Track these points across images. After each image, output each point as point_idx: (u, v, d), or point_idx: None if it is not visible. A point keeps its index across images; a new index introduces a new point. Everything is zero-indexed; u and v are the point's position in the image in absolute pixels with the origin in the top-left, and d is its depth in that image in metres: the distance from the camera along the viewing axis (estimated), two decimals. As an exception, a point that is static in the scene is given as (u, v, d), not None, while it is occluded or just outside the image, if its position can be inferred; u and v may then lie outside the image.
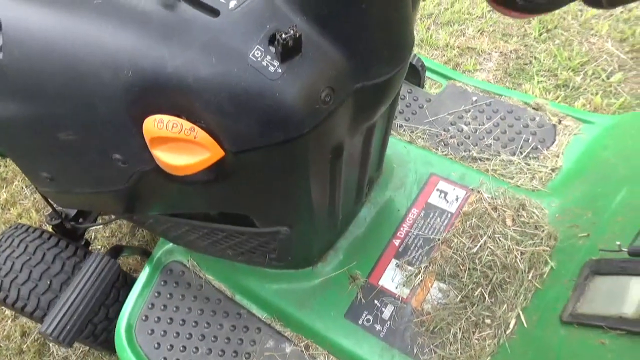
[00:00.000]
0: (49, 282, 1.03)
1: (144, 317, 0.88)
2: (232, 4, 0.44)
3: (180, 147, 0.46)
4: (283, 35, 0.40)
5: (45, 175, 0.60)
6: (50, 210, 1.16)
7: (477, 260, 0.80)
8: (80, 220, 1.17)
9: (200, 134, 0.45)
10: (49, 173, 0.60)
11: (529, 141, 0.98)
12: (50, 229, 1.15)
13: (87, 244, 1.25)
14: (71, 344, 0.71)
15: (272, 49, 0.42)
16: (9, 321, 1.42)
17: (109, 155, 0.51)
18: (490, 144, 0.99)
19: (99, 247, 1.50)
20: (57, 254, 1.06)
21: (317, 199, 0.62)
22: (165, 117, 0.45)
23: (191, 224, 0.71)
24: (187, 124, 0.45)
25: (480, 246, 0.81)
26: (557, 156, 0.94)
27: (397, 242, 0.87)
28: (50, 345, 1.36)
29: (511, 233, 0.81)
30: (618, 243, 0.58)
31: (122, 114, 0.46)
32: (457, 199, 0.90)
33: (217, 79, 0.42)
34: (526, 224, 0.82)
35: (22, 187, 1.69)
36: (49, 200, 1.02)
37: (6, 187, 1.69)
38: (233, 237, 0.74)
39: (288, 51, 0.41)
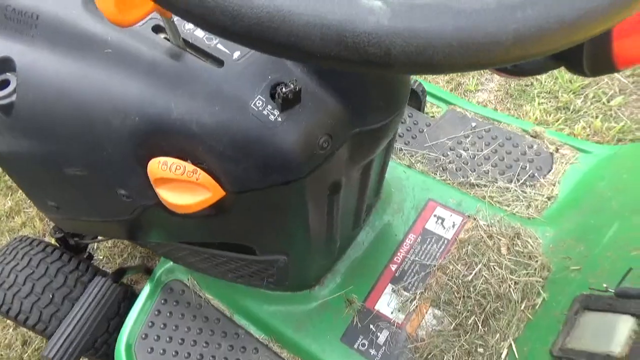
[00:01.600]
0: (51, 296, 1.05)
1: (143, 336, 0.90)
2: (236, 55, 0.46)
3: (182, 186, 0.48)
4: (284, 89, 0.42)
5: (51, 204, 0.62)
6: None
7: (471, 288, 0.81)
8: (83, 234, 1.19)
9: (203, 176, 0.47)
10: (56, 202, 0.62)
11: (526, 169, 0.99)
12: (53, 241, 1.17)
13: (90, 257, 1.27)
14: (73, 367, 0.73)
15: (274, 99, 0.44)
16: (10, 330, 1.44)
17: (114, 190, 0.53)
18: (488, 171, 1.01)
19: (101, 257, 1.53)
20: (59, 268, 1.08)
21: (315, 230, 0.64)
22: (169, 160, 0.47)
23: (191, 249, 0.72)
24: (190, 167, 0.47)
25: (475, 274, 0.83)
26: (554, 185, 0.95)
27: (393, 267, 0.89)
28: (51, 355, 1.38)
29: (505, 262, 0.83)
30: (605, 285, 0.60)
31: (128, 156, 0.48)
32: (453, 226, 0.91)
33: (220, 127, 0.44)
34: (520, 254, 0.84)
35: (27, 196, 1.71)
36: None
37: (11, 195, 1.71)
38: (232, 262, 0.75)
39: (288, 102, 0.43)
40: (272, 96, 0.45)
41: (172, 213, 0.53)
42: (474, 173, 1.00)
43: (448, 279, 0.84)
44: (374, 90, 0.49)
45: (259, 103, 0.45)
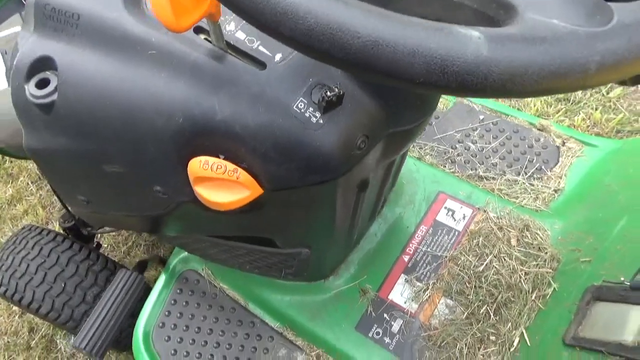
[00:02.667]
0: (63, 284, 1.06)
1: (160, 324, 0.91)
2: (277, 57, 0.47)
3: (221, 184, 0.49)
4: (328, 93, 0.43)
5: (81, 198, 0.63)
6: (63, 212, 1.18)
7: (483, 279, 0.84)
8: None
9: (243, 175, 0.48)
10: (86, 197, 0.62)
11: (534, 161, 1.02)
12: (59, 230, 1.18)
13: (99, 245, 1.28)
14: (102, 357, 0.74)
15: (315, 101, 0.45)
16: (17, 317, 1.45)
17: (150, 186, 0.54)
18: (496, 163, 1.03)
19: (106, 245, 1.53)
20: (71, 257, 1.08)
21: (340, 224, 0.66)
22: (211, 159, 0.48)
23: (213, 241, 0.74)
24: (230, 166, 0.48)
25: (486, 265, 0.85)
26: (560, 177, 0.98)
27: (406, 258, 0.91)
28: (58, 341, 1.39)
29: (516, 253, 0.86)
30: (622, 278, 0.62)
31: (170, 154, 0.49)
32: (464, 218, 0.94)
33: (263, 128, 0.45)
34: (530, 245, 0.86)
35: (28, 183, 1.70)
36: (65, 204, 1.05)
37: (12, 182, 1.70)
38: (253, 254, 0.77)
39: (331, 104, 0.45)
40: (314, 98, 0.46)
41: (206, 209, 0.54)
42: (483, 166, 1.03)
43: (460, 270, 0.87)
44: (410, 93, 0.50)
45: (301, 105, 0.46)
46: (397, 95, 0.49)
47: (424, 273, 0.89)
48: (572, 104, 1.54)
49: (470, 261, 0.87)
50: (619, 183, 0.86)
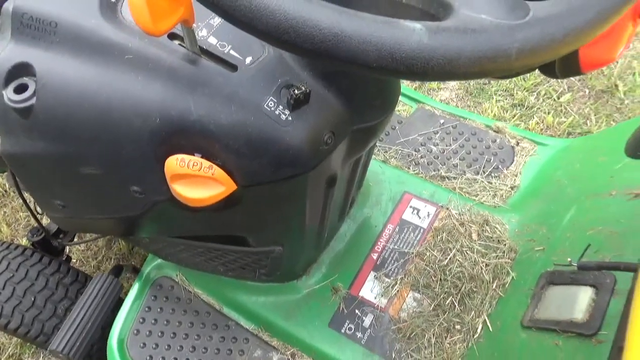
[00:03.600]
0: (32, 299, 1.04)
1: (135, 331, 0.92)
2: (248, 60, 0.50)
3: (197, 181, 0.52)
4: (296, 91, 0.47)
5: (57, 202, 0.64)
6: (33, 226, 1.17)
7: (447, 272, 0.89)
8: (62, 236, 1.19)
9: (217, 171, 0.51)
10: (62, 201, 0.64)
11: (491, 161, 1.08)
12: (25, 244, 1.16)
13: (69, 259, 1.27)
14: (79, 361, 0.74)
15: (284, 100, 0.49)
16: None
17: (127, 187, 0.56)
18: (457, 164, 1.09)
19: (75, 260, 1.51)
20: (40, 270, 1.07)
21: (310, 221, 0.69)
22: (187, 157, 0.50)
23: (187, 244, 0.76)
24: (206, 163, 0.51)
25: (450, 259, 0.90)
26: (516, 175, 1.04)
27: (375, 256, 0.95)
28: (26, 360, 1.36)
29: (477, 247, 0.91)
30: (569, 259, 0.68)
31: (147, 154, 0.51)
32: (428, 215, 0.99)
33: (236, 126, 0.49)
34: (490, 238, 0.92)
35: (-8, 200, 1.66)
36: (36, 217, 1.04)
37: (-25, 199, 1.66)
38: (227, 255, 0.79)
39: (299, 102, 0.48)
40: (282, 97, 0.50)
41: (182, 207, 0.57)
42: (444, 166, 1.08)
43: (426, 265, 0.91)
44: (372, 91, 0.55)
45: (271, 104, 0.49)
46: (360, 94, 0.54)
47: (392, 269, 0.93)
48: (526, 109, 1.63)
49: (436, 256, 0.92)
50: (568, 178, 0.93)
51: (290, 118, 0.49)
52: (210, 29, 0.53)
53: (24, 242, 1.59)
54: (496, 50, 0.28)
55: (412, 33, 0.28)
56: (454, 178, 1.06)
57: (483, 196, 1.01)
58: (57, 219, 0.72)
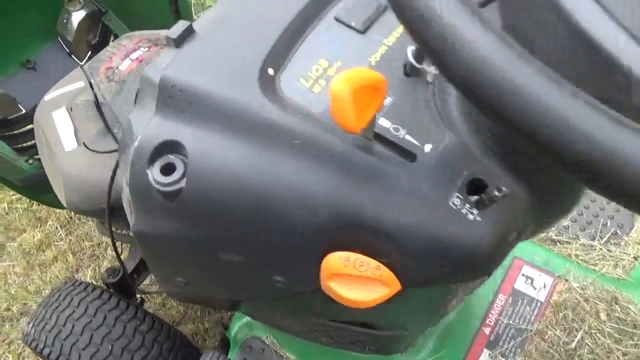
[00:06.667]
0: (110, 347, 1.00)
1: (224, 399, 0.85)
2: (427, 148, 0.43)
3: (358, 281, 0.45)
4: (496, 193, 0.39)
5: (180, 280, 0.58)
6: (109, 267, 1.13)
7: (576, 358, 0.79)
8: (135, 276, 1.15)
9: (385, 272, 0.44)
10: (187, 279, 0.58)
11: (607, 225, 0.98)
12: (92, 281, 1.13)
13: (142, 302, 1.22)
14: None
15: (471, 197, 0.42)
16: None
17: (270, 277, 0.50)
18: (569, 226, 0.99)
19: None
20: (118, 316, 1.03)
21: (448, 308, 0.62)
22: (352, 255, 0.44)
23: (306, 321, 0.69)
24: (373, 263, 0.44)
25: (578, 342, 0.81)
26: (638, 243, 0.94)
27: (487, 330, 0.86)
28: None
29: (608, 329, 0.81)
30: None
31: (304, 248, 0.45)
32: (544, 287, 0.89)
33: (416, 225, 0.42)
34: (623, 321, 0.82)
35: (57, 227, 1.65)
36: (122, 262, 1.01)
37: (40, 226, 1.65)
38: (339, 331, 0.72)
39: (492, 203, 0.41)
40: (470, 193, 0.42)
41: (328, 301, 0.50)
42: (554, 229, 0.99)
43: (548, 346, 0.82)
44: (563, 190, 0.47)
45: (457, 201, 0.42)
46: (554, 193, 0.46)
47: (509, 348, 0.84)
48: None
49: (559, 336, 0.82)
50: None
51: (478, 218, 0.42)
52: (381, 109, 0.46)
53: (89, 273, 1.56)
54: None
55: None
56: (567, 242, 0.96)
57: (603, 266, 0.92)
58: (173, 292, 0.66)
